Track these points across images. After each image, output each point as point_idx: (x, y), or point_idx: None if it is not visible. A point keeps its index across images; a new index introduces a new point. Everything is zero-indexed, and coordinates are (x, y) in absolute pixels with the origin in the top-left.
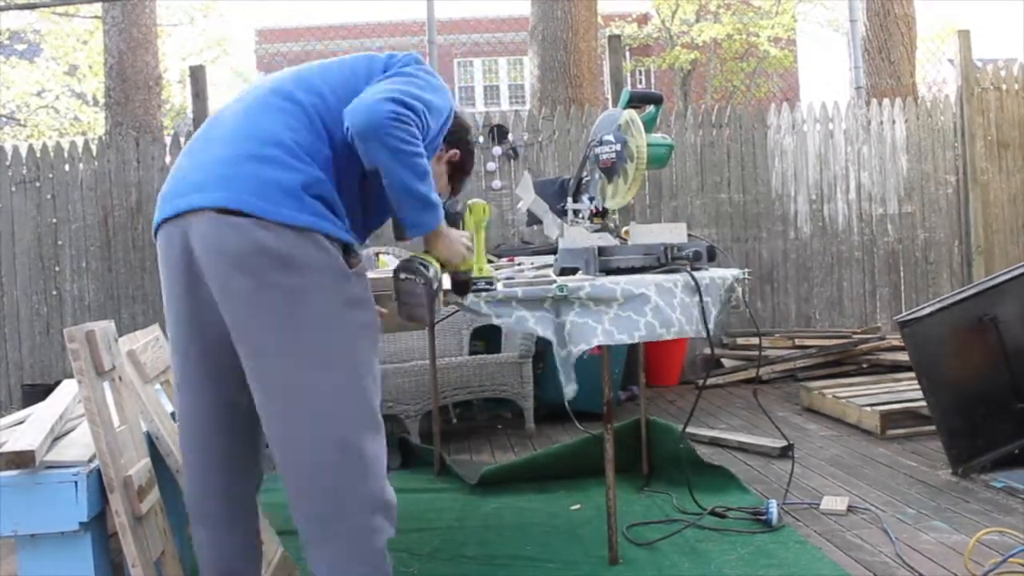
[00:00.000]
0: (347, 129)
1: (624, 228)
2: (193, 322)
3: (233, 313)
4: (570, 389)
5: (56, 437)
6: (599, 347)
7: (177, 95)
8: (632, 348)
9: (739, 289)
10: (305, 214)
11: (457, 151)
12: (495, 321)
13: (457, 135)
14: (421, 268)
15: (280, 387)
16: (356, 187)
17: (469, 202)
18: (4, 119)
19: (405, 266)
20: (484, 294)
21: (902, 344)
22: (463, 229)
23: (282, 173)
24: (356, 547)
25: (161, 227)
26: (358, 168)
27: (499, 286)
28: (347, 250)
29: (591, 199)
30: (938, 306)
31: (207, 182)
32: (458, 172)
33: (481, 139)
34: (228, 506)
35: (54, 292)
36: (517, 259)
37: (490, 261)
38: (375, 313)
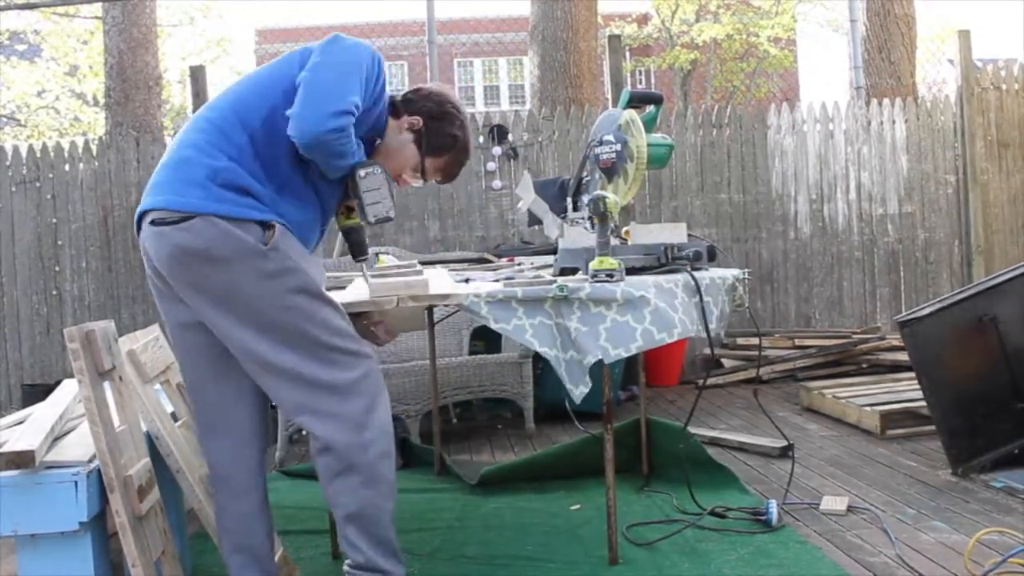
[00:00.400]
0: (289, 135)
1: (624, 228)
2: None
3: (194, 307)
4: (580, 391)
5: (56, 437)
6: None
7: (177, 95)
8: None
9: (740, 289)
10: (211, 201)
11: (419, 119)
12: (493, 326)
13: (418, 104)
14: (373, 163)
15: (251, 360)
16: (290, 156)
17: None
18: (4, 119)
19: (360, 165)
20: (484, 293)
21: (902, 344)
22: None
23: (190, 170)
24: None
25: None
26: (287, 142)
27: (502, 284)
28: (266, 226)
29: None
30: (938, 306)
31: (146, 192)
32: (430, 142)
33: (481, 139)
34: (244, 470)
35: (54, 292)
36: (517, 259)
37: (489, 261)
38: (303, 273)
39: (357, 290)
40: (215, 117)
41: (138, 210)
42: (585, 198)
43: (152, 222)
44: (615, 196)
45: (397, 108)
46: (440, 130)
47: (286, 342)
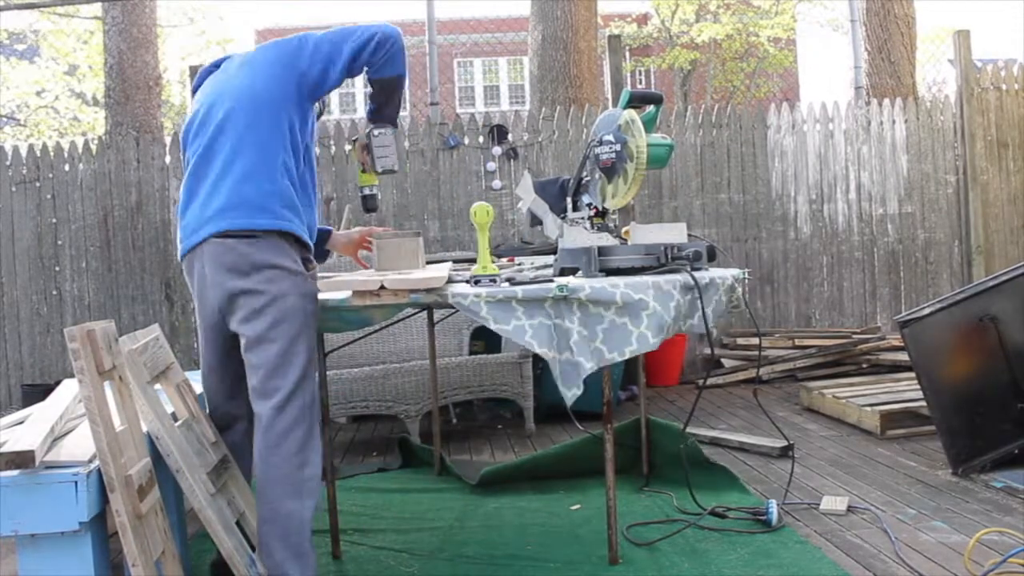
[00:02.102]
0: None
1: (624, 228)
2: None
3: None
4: (572, 394)
5: (56, 437)
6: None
7: (177, 95)
8: None
9: (739, 289)
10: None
11: None
12: (492, 327)
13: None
14: (384, 124)
15: None
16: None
17: (473, 206)
18: (4, 119)
19: (373, 124)
20: (485, 293)
21: (902, 344)
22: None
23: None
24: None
25: None
26: None
27: (504, 284)
28: None
29: (590, 205)
30: (938, 306)
31: None
32: None
33: (481, 139)
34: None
35: (54, 292)
36: (517, 259)
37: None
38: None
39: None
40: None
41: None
42: (585, 198)
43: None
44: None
45: None
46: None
47: None
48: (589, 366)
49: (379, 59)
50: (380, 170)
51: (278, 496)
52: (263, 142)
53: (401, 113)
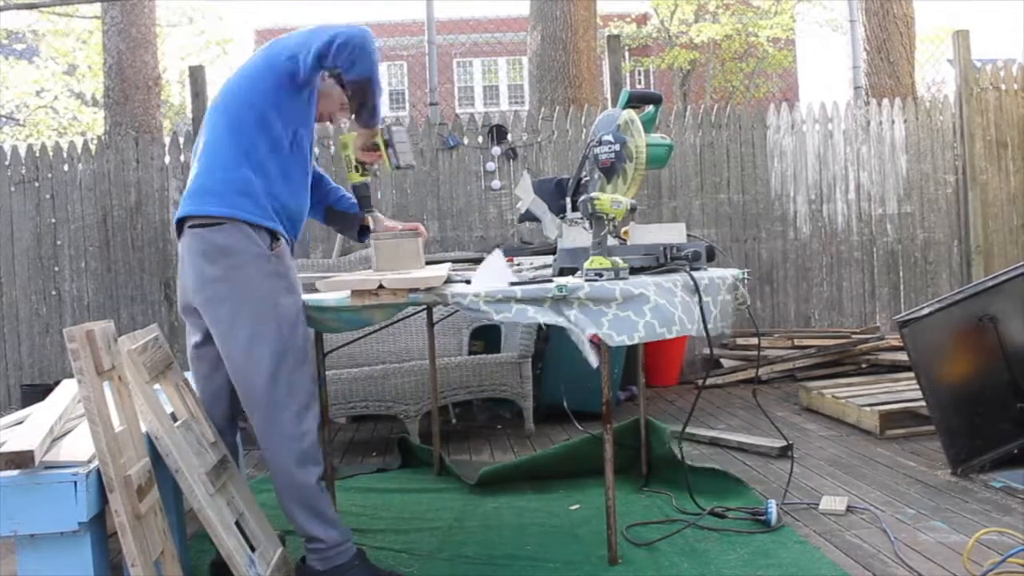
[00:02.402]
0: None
1: (624, 228)
2: None
3: None
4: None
5: (56, 437)
6: (598, 347)
7: (176, 95)
8: (632, 348)
9: (742, 288)
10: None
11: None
12: (495, 318)
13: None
14: (399, 122)
15: None
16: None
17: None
18: (3, 119)
19: (391, 123)
20: (484, 293)
21: (901, 344)
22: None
23: None
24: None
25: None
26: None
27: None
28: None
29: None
30: (937, 306)
31: None
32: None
33: (481, 139)
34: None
35: (53, 292)
36: (516, 259)
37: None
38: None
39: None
40: None
41: None
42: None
43: None
44: (612, 196)
45: None
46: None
47: None
48: (591, 329)
49: (344, 60)
50: (401, 165)
51: (284, 467)
52: (223, 134)
53: (400, 113)
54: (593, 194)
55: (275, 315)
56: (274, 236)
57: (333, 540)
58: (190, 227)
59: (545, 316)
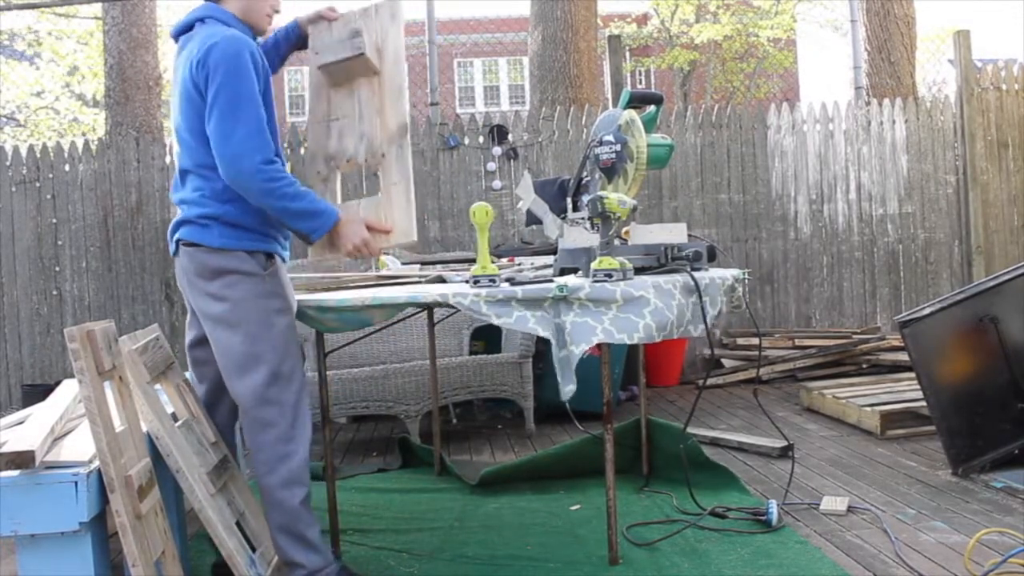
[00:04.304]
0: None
1: (624, 228)
2: None
3: None
4: (568, 390)
5: (56, 437)
6: (598, 346)
7: None
8: (632, 348)
9: (739, 289)
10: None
11: None
12: (495, 321)
13: None
14: None
15: None
16: None
17: (472, 207)
18: (4, 119)
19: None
20: (485, 293)
21: (902, 344)
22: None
23: None
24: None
25: None
26: None
27: (503, 285)
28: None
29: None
30: (938, 306)
31: None
32: None
33: (481, 139)
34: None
35: (54, 292)
36: (517, 259)
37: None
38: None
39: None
40: None
41: None
42: (585, 198)
43: None
44: (619, 195)
45: None
46: None
47: None
48: (584, 346)
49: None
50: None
51: (269, 486)
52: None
53: None
54: (601, 193)
55: (269, 336)
56: (268, 256)
57: (314, 566)
58: (185, 245)
59: (545, 328)
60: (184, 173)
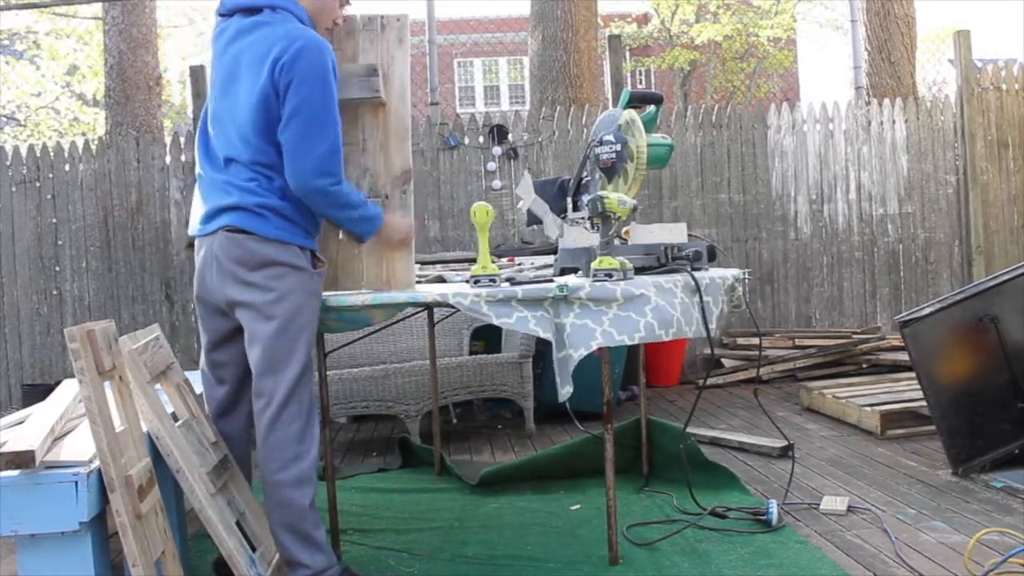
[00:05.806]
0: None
1: (624, 228)
2: None
3: None
4: (566, 391)
5: (56, 437)
6: (599, 348)
7: (177, 95)
8: (632, 348)
9: (739, 289)
10: None
11: None
12: (495, 322)
13: None
14: None
15: None
16: None
17: (472, 207)
18: (4, 119)
19: None
20: (485, 293)
21: (902, 344)
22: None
23: None
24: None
25: None
26: None
27: (503, 284)
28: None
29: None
30: (938, 306)
31: None
32: None
33: (481, 139)
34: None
35: (54, 292)
36: (517, 259)
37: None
38: None
39: None
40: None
41: None
42: (585, 198)
43: None
44: (619, 195)
45: None
46: None
47: None
48: (583, 351)
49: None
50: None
51: (278, 486)
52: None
53: None
54: (601, 193)
55: (307, 334)
56: (315, 255)
57: (319, 566)
58: (230, 231)
59: (545, 329)
60: (229, 161)
